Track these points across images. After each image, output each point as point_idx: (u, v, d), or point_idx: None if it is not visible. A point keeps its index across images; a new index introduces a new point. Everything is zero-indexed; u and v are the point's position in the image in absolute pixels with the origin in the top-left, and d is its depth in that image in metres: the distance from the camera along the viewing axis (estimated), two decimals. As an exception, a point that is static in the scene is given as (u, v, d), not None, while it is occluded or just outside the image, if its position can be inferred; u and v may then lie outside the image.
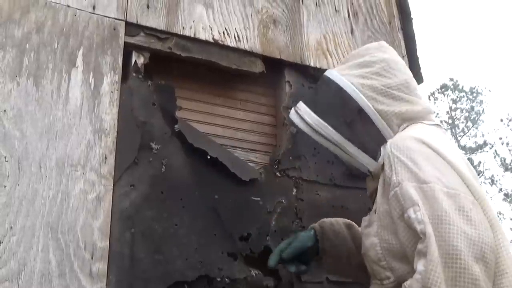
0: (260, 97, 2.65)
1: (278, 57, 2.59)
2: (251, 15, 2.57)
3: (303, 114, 1.77)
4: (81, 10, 2.13)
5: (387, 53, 1.78)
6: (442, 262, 1.32)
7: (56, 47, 2.04)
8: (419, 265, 1.37)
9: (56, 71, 2.01)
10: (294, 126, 1.82)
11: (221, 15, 2.48)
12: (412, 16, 3.17)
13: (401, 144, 1.55)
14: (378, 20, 3.05)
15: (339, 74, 1.76)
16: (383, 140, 1.66)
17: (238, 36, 2.48)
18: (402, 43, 3.10)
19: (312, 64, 2.68)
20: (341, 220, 2.03)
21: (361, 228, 1.77)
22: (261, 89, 2.66)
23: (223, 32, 2.45)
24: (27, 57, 1.97)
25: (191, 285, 2.05)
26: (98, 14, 2.16)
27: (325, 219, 2.02)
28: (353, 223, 2.03)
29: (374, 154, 1.68)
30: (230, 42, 2.46)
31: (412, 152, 1.50)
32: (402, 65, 1.78)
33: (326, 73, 1.81)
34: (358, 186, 2.55)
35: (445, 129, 1.74)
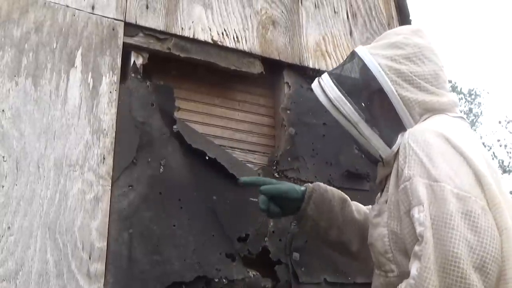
0: (259, 98, 2.65)
1: (277, 58, 2.59)
2: (250, 16, 2.57)
3: (325, 86, 1.72)
4: (80, 10, 2.13)
5: (423, 39, 1.71)
6: (440, 268, 1.29)
7: (55, 47, 2.03)
8: (413, 269, 1.34)
9: (55, 71, 2.00)
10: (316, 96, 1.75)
11: (220, 16, 2.48)
12: (410, 18, 3.18)
13: (420, 136, 1.49)
14: (377, 21, 3.05)
15: (369, 53, 1.69)
16: (401, 128, 1.61)
17: (237, 37, 2.48)
18: (401, 44, 3.09)
19: (311, 65, 2.68)
20: (337, 192, 1.96)
21: (369, 217, 1.74)
22: (259, 90, 2.65)
23: (222, 33, 2.45)
24: (25, 57, 1.97)
25: (188, 286, 2.04)
26: (97, 14, 2.16)
27: (320, 184, 1.95)
28: (349, 200, 1.96)
29: (390, 141, 1.63)
30: (229, 43, 2.46)
31: (429, 147, 1.45)
32: (435, 54, 1.70)
33: (356, 49, 1.75)
34: (356, 188, 2.55)
35: (469, 122, 1.68)
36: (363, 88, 1.70)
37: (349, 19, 2.94)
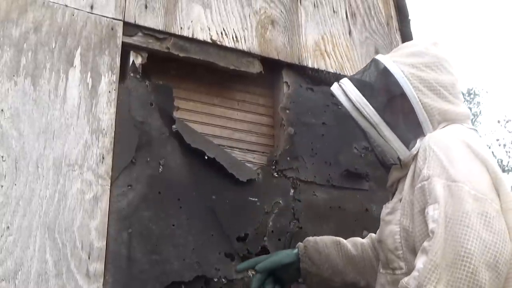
0: (258, 98, 2.65)
1: (276, 57, 2.59)
2: (249, 16, 2.57)
3: (346, 89, 1.77)
4: (79, 9, 2.13)
5: (440, 51, 1.77)
6: (449, 263, 1.31)
7: (54, 46, 2.03)
8: (419, 263, 1.37)
9: (54, 71, 2.00)
10: (335, 99, 1.82)
11: (219, 16, 2.48)
12: (409, 18, 3.18)
13: (441, 140, 1.55)
14: (376, 21, 3.05)
15: (391, 60, 1.75)
16: (420, 133, 1.66)
17: (236, 36, 2.48)
18: (400, 44, 3.10)
19: (310, 65, 2.68)
20: (327, 238, 2.05)
21: (381, 215, 1.77)
22: (259, 89, 2.65)
23: (221, 33, 2.45)
24: (24, 57, 1.96)
25: (188, 286, 2.05)
26: (96, 14, 2.16)
27: (310, 238, 2.06)
28: (342, 240, 2.04)
29: (408, 143, 1.68)
30: (228, 42, 2.46)
31: (450, 150, 1.50)
32: (451, 66, 1.75)
33: (377, 57, 1.81)
34: (355, 187, 2.55)
35: (480, 136, 1.74)
36: (384, 93, 1.76)
37: (348, 18, 2.94)
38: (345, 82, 1.80)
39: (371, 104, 1.71)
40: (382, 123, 1.70)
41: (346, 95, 1.75)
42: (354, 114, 1.74)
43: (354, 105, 1.73)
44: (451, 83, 1.70)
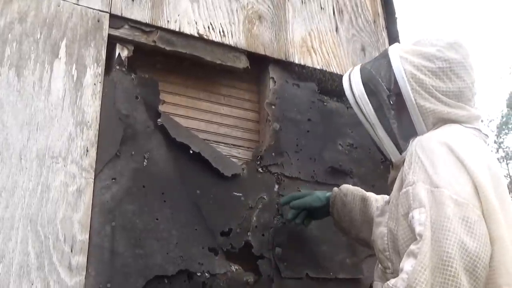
0: (244, 93, 2.65)
1: (263, 53, 2.59)
2: (237, 11, 2.57)
3: (353, 82, 1.80)
4: (65, 0, 2.11)
5: (458, 53, 1.70)
6: (434, 267, 1.33)
7: (39, 37, 2.01)
8: (407, 265, 1.37)
9: (39, 62, 1.98)
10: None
11: (207, 10, 2.47)
12: (396, 16, 3.19)
13: (426, 144, 1.55)
14: (363, 18, 3.06)
15: (399, 55, 1.73)
16: (414, 134, 1.67)
17: (223, 31, 2.48)
18: (386, 42, 3.11)
19: (296, 61, 2.69)
20: (358, 194, 2.19)
21: (374, 216, 1.81)
22: (245, 84, 2.65)
23: (208, 27, 2.44)
24: (9, 47, 1.94)
25: (171, 280, 2.04)
26: (82, 6, 2.14)
27: (344, 186, 2.25)
28: (371, 198, 2.16)
29: (401, 145, 1.70)
30: (215, 37, 2.45)
31: (433, 154, 1.50)
32: (466, 70, 1.69)
33: (390, 48, 1.80)
34: (339, 184, 2.56)
35: (486, 134, 1.72)
36: (386, 89, 1.76)
37: (335, 15, 2.95)
38: (355, 72, 1.82)
39: (371, 102, 1.74)
40: (378, 125, 1.72)
41: (352, 89, 1.79)
42: (356, 109, 1.79)
43: (356, 101, 1.77)
44: (457, 91, 1.66)
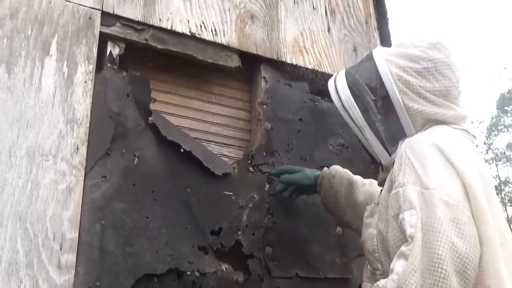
0: (236, 92, 2.65)
1: (255, 52, 2.59)
2: (229, 10, 2.57)
3: (339, 86, 1.80)
4: (56, -3, 2.10)
5: (442, 52, 1.72)
6: (424, 268, 1.33)
7: (30, 34, 2.00)
8: (398, 266, 1.38)
9: (29, 59, 1.97)
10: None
11: (199, 8, 2.47)
12: (388, 17, 3.20)
13: (416, 146, 1.55)
14: (355, 19, 3.07)
15: (384, 58, 1.73)
16: (403, 135, 1.67)
17: (215, 30, 2.48)
18: (378, 42, 3.12)
19: (288, 61, 2.69)
20: (346, 175, 2.23)
21: (363, 217, 1.81)
22: (236, 84, 2.65)
23: (200, 26, 2.44)
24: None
25: (160, 278, 2.04)
26: (74, 3, 2.13)
27: (333, 167, 2.28)
28: (358, 182, 2.19)
29: (391, 147, 1.71)
30: (207, 35, 2.45)
31: (423, 156, 1.50)
32: (451, 69, 1.71)
33: (374, 51, 1.80)
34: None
35: (473, 135, 1.74)
36: (373, 92, 1.76)
37: (328, 15, 2.95)
38: (341, 77, 1.81)
39: (358, 105, 1.74)
40: (366, 127, 1.73)
41: (338, 93, 1.78)
42: (343, 113, 1.79)
43: (343, 105, 1.77)
44: (444, 89, 1.68)
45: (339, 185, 2.20)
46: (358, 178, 2.19)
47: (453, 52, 1.76)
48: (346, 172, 2.24)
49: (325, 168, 2.29)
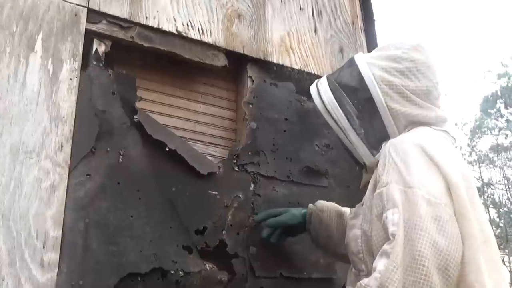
0: (222, 91, 2.64)
1: (241, 52, 2.59)
2: (216, 9, 2.57)
3: (321, 89, 1.81)
4: (42, -6, 2.08)
5: (422, 54, 1.75)
6: (406, 266, 1.35)
7: (14, 30, 1.98)
8: (380, 265, 1.39)
9: (14, 55, 1.96)
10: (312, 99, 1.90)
11: (186, 7, 2.46)
12: (374, 18, 3.22)
13: (400, 146, 1.57)
14: (342, 20, 3.08)
15: (365, 61, 1.76)
16: (386, 137, 1.69)
17: (202, 29, 2.47)
18: (364, 44, 3.14)
19: (275, 61, 2.69)
20: (334, 208, 2.19)
21: (347, 218, 1.82)
22: (223, 83, 2.65)
23: (187, 24, 2.44)
24: (-17, 39, 1.91)
25: (144, 277, 2.03)
26: (60, -1, 2.12)
27: (320, 202, 2.24)
28: (346, 212, 2.14)
29: (374, 149, 1.72)
30: (194, 34, 2.44)
31: (407, 156, 1.52)
32: (431, 70, 1.74)
33: (355, 56, 1.82)
34: (314, 184, 2.58)
35: (453, 136, 1.77)
36: (354, 95, 1.78)
37: (314, 16, 2.96)
38: (323, 81, 1.83)
39: (341, 107, 1.75)
40: (350, 129, 1.74)
41: (320, 97, 1.80)
42: (326, 116, 1.80)
43: (326, 107, 1.78)
44: (425, 89, 1.71)
45: (328, 218, 2.16)
46: (346, 209, 2.17)
47: (432, 54, 1.80)
48: (333, 204, 2.22)
49: (310, 205, 2.25)
